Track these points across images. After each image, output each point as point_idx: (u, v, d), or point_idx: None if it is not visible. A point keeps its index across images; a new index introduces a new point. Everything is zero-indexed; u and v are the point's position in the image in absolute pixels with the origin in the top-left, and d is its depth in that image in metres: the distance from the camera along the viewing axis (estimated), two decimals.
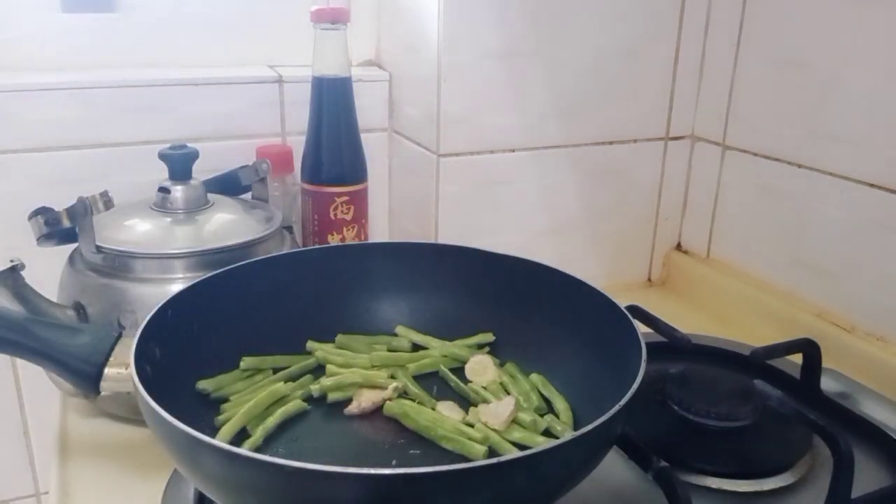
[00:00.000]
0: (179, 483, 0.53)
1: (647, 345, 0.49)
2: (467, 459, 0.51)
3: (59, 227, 0.63)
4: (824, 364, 0.65)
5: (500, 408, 0.55)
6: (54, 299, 0.62)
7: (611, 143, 0.89)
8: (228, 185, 0.75)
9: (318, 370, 0.60)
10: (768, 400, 0.55)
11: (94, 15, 0.84)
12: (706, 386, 0.61)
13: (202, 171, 0.70)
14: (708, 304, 0.90)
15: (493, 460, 0.38)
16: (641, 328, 0.52)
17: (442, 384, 0.60)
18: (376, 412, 0.56)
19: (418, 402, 0.57)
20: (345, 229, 0.78)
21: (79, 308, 0.61)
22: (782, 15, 0.79)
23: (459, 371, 0.61)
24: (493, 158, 0.84)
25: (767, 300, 0.83)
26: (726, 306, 0.87)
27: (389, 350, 0.63)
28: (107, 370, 0.51)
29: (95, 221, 0.62)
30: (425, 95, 0.82)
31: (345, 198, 0.77)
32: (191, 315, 0.54)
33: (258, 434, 0.52)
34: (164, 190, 0.67)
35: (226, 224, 0.67)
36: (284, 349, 0.61)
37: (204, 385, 0.55)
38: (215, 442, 0.39)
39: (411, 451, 0.52)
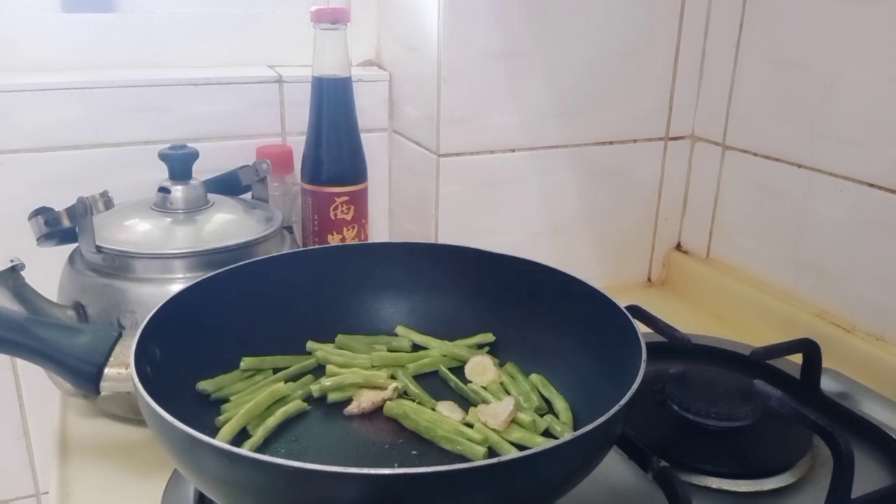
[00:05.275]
0: (179, 483, 0.53)
1: (647, 345, 0.49)
2: (467, 460, 0.51)
3: (59, 227, 0.63)
4: (824, 364, 0.65)
5: (500, 408, 0.55)
6: (54, 299, 0.62)
7: (611, 143, 0.89)
8: (228, 185, 0.75)
9: (319, 370, 0.60)
10: (768, 400, 0.55)
11: (94, 15, 0.84)
12: (706, 386, 0.61)
13: (202, 171, 0.70)
14: (708, 304, 0.90)
15: (493, 460, 0.38)
16: (641, 328, 0.52)
17: (442, 384, 0.60)
18: (376, 412, 0.56)
19: (418, 403, 0.57)
20: (345, 229, 0.78)
21: (79, 308, 0.61)
22: (782, 15, 0.79)
23: (459, 371, 0.61)
24: (493, 158, 0.84)
25: (767, 300, 0.83)
26: (726, 306, 0.87)
27: (389, 350, 0.63)
28: (107, 370, 0.51)
29: (95, 221, 0.62)
30: (425, 95, 0.82)
31: (345, 198, 0.77)
32: (191, 315, 0.54)
33: (258, 434, 0.52)
34: (164, 190, 0.67)
35: (226, 224, 0.67)
36: (284, 349, 0.61)
37: (204, 385, 0.55)
38: (215, 442, 0.39)
39: (411, 452, 0.52)
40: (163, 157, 0.67)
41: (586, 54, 0.84)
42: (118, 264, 0.62)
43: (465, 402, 0.58)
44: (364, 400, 0.56)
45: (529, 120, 0.84)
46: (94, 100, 0.79)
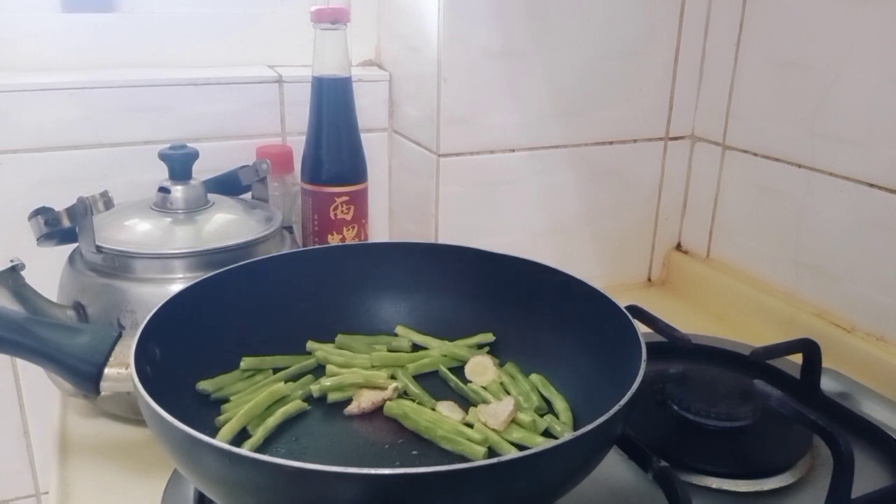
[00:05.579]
0: (179, 483, 0.53)
1: (647, 345, 0.49)
2: (467, 460, 0.51)
3: (59, 227, 0.63)
4: (824, 364, 0.65)
5: (500, 408, 0.55)
6: (54, 299, 0.62)
7: (611, 143, 0.89)
8: (228, 185, 0.75)
9: (319, 370, 0.60)
10: (768, 400, 0.55)
11: (94, 15, 0.84)
12: (706, 386, 0.61)
13: (202, 171, 0.70)
14: (708, 304, 0.90)
15: (493, 460, 0.38)
16: (641, 328, 0.52)
17: (442, 384, 0.60)
18: (376, 412, 0.56)
19: (418, 403, 0.57)
20: (345, 229, 0.78)
21: (79, 308, 0.62)
22: (782, 15, 0.79)
23: (459, 371, 0.61)
24: (493, 158, 0.84)
25: (767, 300, 0.83)
26: (726, 306, 0.87)
27: (389, 350, 0.63)
28: (107, 370, 0.51)
29: (95, 221, 0.62)
30: (425, 95, 0.82)
31: (345, 198, 0.77)
32: (191, 315, 0.54)
33: (258, 434, 0.52)
34: (164, 190, 0.67)
35: (226, 224, 0.67)
36: (284, 349, 0.61)
37: (204, 385, 0.55)
38: (215, 442, 0.39)
39: (411, 452, 0.52)
40: (163, 157, 0.67)
41: (586, 54, 0.84)
42: (118, 264, 0.62)
43: (465, 402, 0.58)
44: (364, 400, 0.56)
45: (529, 120, 0.84)
46: (94, 100, 0.79)
